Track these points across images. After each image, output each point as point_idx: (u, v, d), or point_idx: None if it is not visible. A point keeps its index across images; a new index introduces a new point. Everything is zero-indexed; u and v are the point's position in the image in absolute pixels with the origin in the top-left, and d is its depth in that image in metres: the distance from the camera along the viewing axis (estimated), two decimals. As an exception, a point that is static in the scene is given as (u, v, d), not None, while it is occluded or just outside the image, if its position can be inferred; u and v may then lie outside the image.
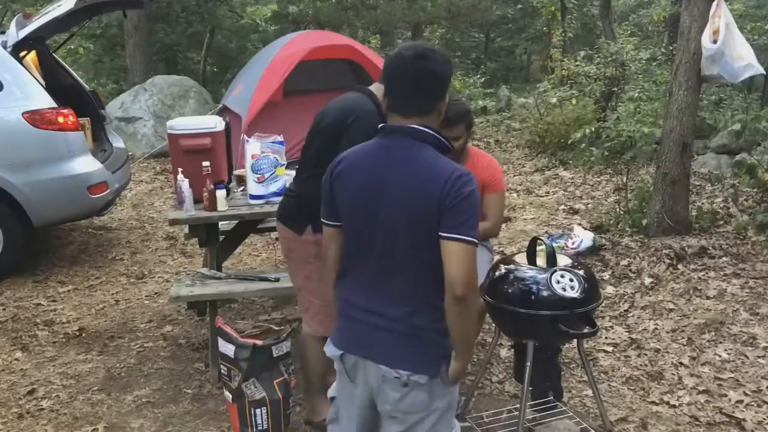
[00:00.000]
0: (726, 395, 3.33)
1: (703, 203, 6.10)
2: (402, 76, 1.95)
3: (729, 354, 3.70)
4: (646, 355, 3.76)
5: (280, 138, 3.87)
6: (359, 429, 2.08)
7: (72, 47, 14.33)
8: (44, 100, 5.05)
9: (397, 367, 1.91)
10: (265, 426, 3.00)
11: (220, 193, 3.61)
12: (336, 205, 2.03)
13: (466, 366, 2.00)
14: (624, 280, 4.74)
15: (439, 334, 1.93)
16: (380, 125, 2.01)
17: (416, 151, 1.92)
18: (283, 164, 3.83)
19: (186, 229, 4.14)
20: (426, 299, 1.93)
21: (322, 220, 2.11)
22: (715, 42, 4.89)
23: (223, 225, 4.12)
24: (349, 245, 2.04)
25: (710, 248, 5.02)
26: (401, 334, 1.93)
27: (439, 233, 1.84)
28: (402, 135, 1.95)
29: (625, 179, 6.33)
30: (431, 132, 1.94)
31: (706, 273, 4.71)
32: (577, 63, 10.12)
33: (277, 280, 3.68)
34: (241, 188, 3.97)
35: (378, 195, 1.93)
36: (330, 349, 2.09)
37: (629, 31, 13.78)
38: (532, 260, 2.86)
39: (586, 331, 2.75)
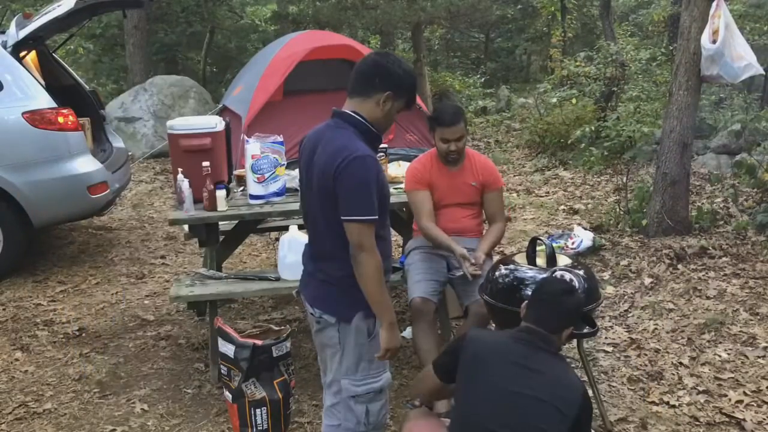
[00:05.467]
0: (726, 395, 3.33)
1: (703, 203, 6.09)
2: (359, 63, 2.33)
3: (729, 354, 3.71)
4: (646, 355, 3.76)
5: (279, 138, 3.87)
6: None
7: (72, 47, 14.31)
8: (44, 100, 5.05)
9: (315, 307, 2.37)
10: (265, 426, 3.01)
11: (220, 193, 3.62)
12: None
13: (392, 332, 2.25)
14: (624, 280, 4.74)
15: (350, 284, 2.24)
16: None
17: (337, 131, 2.23)
18: (283, 164, 3.83)
19: (186, 229, 4.14)
20: (341, 253, 2.24)
21: None
22: (714, 42, 4.89)
23: (223, 225, 4.12)
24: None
25: (710, 248, 5.02)
26: (319, 281, 2.35)
27: (342, 217, 2.18)
28: (336, 117, 2.29)
29: (624, 179, 6.33)
30: (357, 117, 2.25)
31: (706, 273, 4.71)
32: (577, 63, 10.12)
33: (277, 279, 3.68)
34: (241, 188, 3.97)
35: (310, 170, 2.28)
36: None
37: (629, 32, 13.78)
38: (532, 260, 2.87)
39: (585, 331, 2.75)
